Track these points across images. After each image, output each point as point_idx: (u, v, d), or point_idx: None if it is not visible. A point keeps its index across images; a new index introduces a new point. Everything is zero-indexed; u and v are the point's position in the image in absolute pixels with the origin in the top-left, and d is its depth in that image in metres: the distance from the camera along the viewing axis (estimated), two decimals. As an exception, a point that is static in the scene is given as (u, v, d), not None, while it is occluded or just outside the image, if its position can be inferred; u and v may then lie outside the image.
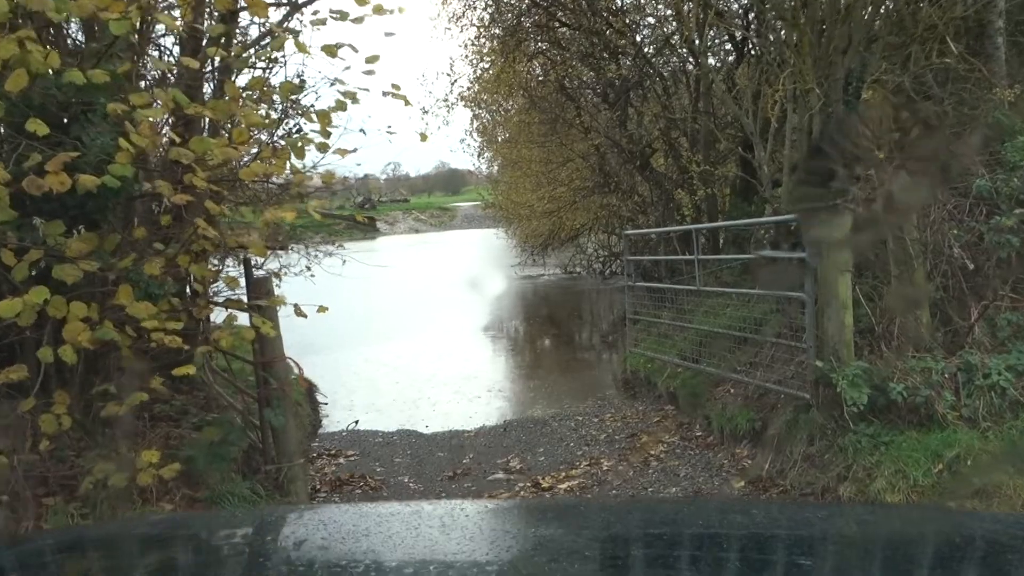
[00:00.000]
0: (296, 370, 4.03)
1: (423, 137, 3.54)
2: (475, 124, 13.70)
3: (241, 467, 4.03)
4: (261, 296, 3.74)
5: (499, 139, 13.82)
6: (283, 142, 4.03)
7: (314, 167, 4.06)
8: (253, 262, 4.07)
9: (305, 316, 3.54)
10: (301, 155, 3.51)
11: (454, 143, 65.31)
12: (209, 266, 4.19)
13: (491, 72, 11.80)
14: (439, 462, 6.40)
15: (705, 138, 9.29)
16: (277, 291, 4.08)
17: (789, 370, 5.63)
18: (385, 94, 3.61)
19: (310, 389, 8.44)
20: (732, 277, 8.20)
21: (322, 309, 3.49)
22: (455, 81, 15.77)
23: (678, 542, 1.39)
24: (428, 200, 64.84)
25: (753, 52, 8.85)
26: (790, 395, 5.16)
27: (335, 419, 8.08)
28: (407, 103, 3.60)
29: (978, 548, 1.34)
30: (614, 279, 18.25)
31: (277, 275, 4.96)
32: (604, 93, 11.78)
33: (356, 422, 7.78)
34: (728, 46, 10.23)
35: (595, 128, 11.39)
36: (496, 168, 17.12)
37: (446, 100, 12.76)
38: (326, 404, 8.54)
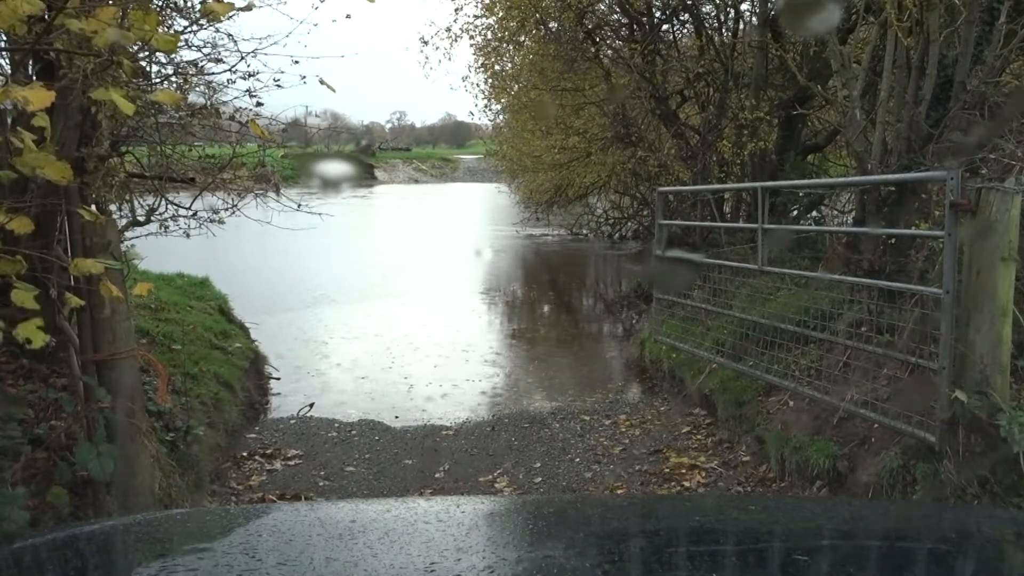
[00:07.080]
0: (160, 372, 2.51)
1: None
2: (479, 61, 11.94)
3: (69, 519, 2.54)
4: (92, 251, 2.22)
5: (506, 79, 12.09)
6: None
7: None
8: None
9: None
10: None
11: (455, 80, 60.42)
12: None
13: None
14: (403, 474, 4.94)
15: (756, 81, 7.62)
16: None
17: (880, 388, 4.12)
18: None
19: (256, 362, 6.95)
20: (775, 253, 6.64)
21: (144, 288, 1.96)
22: (459, 9, 13.98)
23: (675, 538, 1.37)
24: (431, 151, 62.69)
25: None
26: (893, 428, 3.64)
27: (288, 399, 6.59)
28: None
29: (973, 543, 1.35)
30: (625, 244, 16.64)
31: (136, 222, 3.36)
32: (630, 29, 10.09)
33: (310, 406, 6.30)
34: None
35: (617, 71, 9.75)
36: (501, 116, 15.36)
37: (448, 31, 10.99)
38: (278, 379, 7.04)
